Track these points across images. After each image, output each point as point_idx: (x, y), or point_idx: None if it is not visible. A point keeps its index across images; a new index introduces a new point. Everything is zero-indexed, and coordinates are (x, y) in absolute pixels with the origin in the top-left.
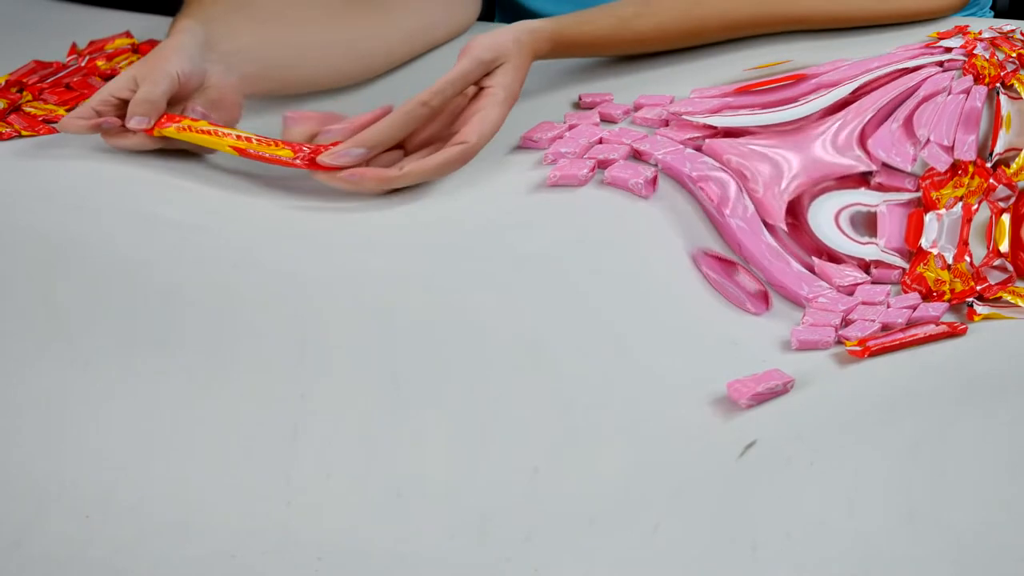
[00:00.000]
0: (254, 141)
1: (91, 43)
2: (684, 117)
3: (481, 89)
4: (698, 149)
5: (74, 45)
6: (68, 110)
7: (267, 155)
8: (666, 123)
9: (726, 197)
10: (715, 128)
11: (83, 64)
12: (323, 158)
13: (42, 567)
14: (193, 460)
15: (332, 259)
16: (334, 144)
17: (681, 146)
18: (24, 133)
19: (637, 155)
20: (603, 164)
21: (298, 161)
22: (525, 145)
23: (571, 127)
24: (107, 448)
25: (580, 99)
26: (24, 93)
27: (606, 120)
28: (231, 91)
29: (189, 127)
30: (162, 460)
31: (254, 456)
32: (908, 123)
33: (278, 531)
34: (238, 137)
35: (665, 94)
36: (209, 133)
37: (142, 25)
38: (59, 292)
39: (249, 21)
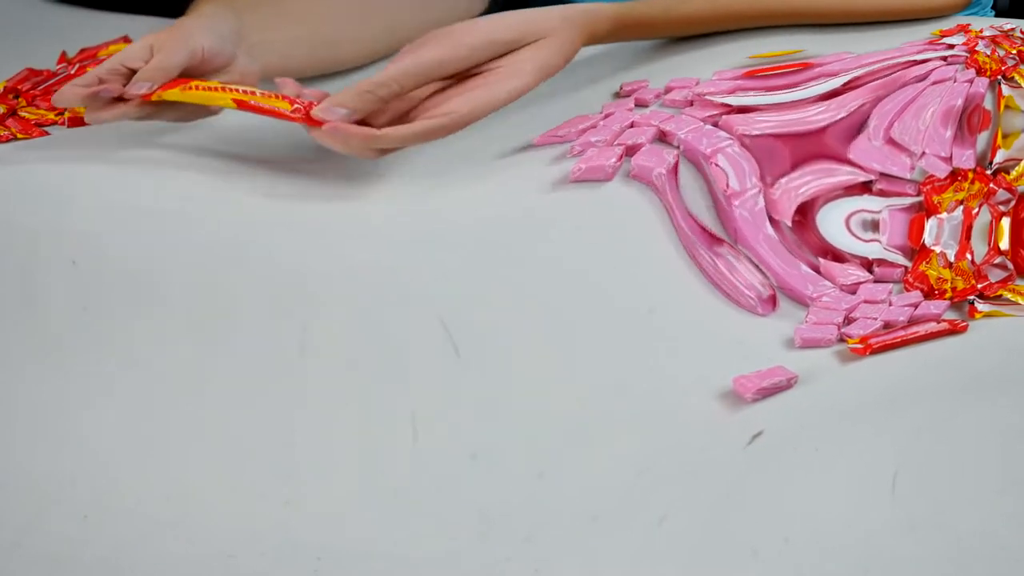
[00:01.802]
0: (257, 94)
1: (81, 51)
2: (706, 97)
3: (499, 67)
4: (715, 125)
5: (64, 54)
6: (58, 114)
7: (266, 106)
8: (691, 103)
9: (740, 190)
10: (730, 106)
11: (73, 72)
12: (316, 111)
13: (42, 567)
14: (192, 460)
15: (329, 252)
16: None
17: (701, 123)
18: (19, 136)
19: (663, 136)
20: (631, 150)
21: (295, 113)
22: (544, 142)
23: (607, 115)
24: (106, 448)
25: (621, 88)
26: (20, 99)
27: (640, 105)
28: (252, 79)
29: (197, 86)
30: (161, 460)
31: (252, 455)
32: (890, 134)
33: (277, 531)
34: (243, 91)
35: (693, 77)
36: (214, 90)
37: (141, 30)
38: (53, 292)
39: (277, 14)
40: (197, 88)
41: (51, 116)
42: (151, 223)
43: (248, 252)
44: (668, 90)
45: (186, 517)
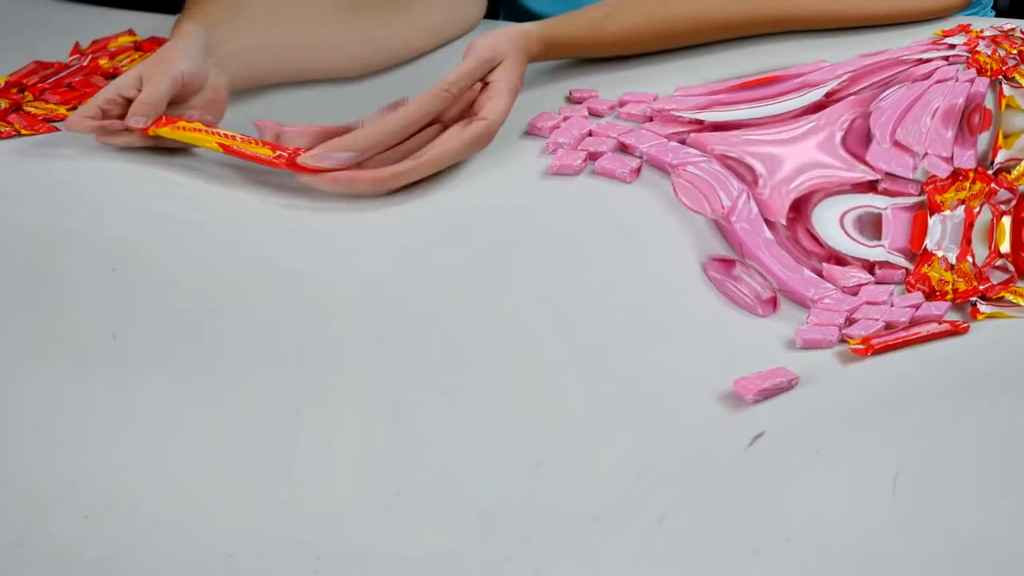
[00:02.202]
0: (238, 139)
1: (94, 42)
2: (673, 113)
3: (486, 84)
4: (682, 142)
5: (77, 45)
6: (70, 109)
7: (248, 152)
8: (650, 119)
9: (732, 203)
10: (702, 123)
11: (85, 63)
12: (304, 159)
13: (42, 567)
14: (192, 460)
15: (329, 255)
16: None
17: (665, 140)
18: (23, 132)
19: (623, 148)
20: (593, 156)
21: (278, 160)
22: (532, 132)
23: (565, 119)
24: (106, 448)
25: (570, 94)
26: (25, 93)
27: (593, 114)
28: (222, 90)
29: (184, 127)
30: (161, 460)
31: (253, 456)
32: (895, 134)
33: (277, 531)
34: (224, 135)
35: (648, 91)
36: (200, 131)
37: (144, 24)
38: (56, 291)
39: (248, 24)
40: (184, 129)
41: (62, 111)
42: (153, 226)
43: (247, 253)
44: (623, 103)
45: (186, 517)
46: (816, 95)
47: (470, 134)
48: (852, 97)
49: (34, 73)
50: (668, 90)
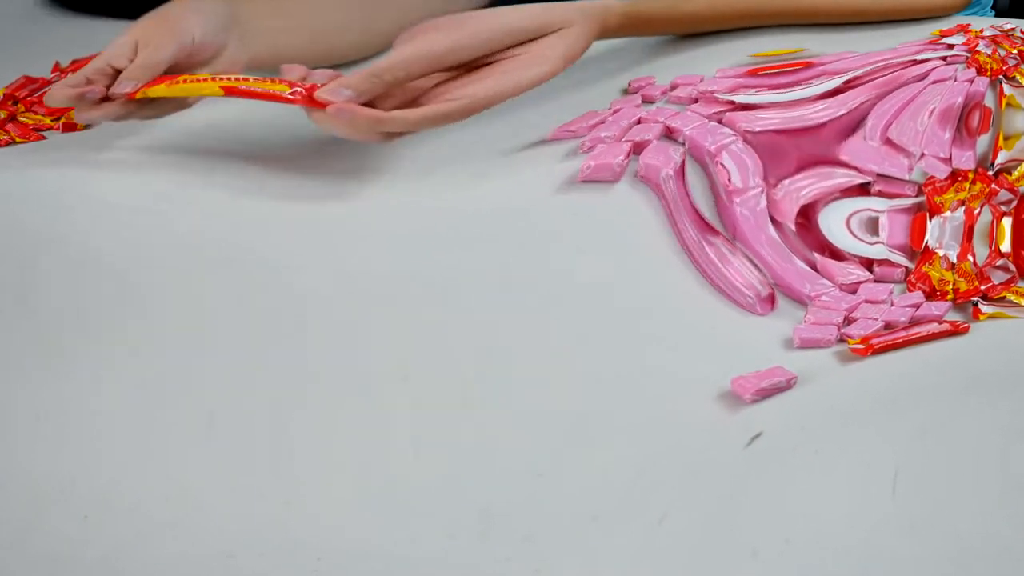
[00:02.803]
0: (250, 80)
1: (73, 62)
2: (711, 94)
3: (519, 55)
4: (719, 121)
5: (57, 64)
6: (55, 119)
7: (259, 90)
8: (695, 100)
9: (743, 187)
10: (734, 103)
11: None
12: (321, 93)
13: (41, 567)
14: (191, 460)
15: (328, 254)
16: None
17: (706, 120)
18: (18, 140)
19: (669, 132)
20: (638, 147)
21: (294, 95)
22: (557, 137)
23: (615, 111)
24: (105, 449)
25: (629, 85)
26: (18, 105)
27: (647, 101)
28: (239, 66)
29: (184, 80)
30: (160, 460)
31: (252, 455)
32: (887, 135)
33: (277, 531)
34: (233, 78)
35: (697, 74)
36: (201, 80)
37: None
38: (51, 293)
39: (285, 2)
40: (184, 82)
41: (47, 121)
42: (148, 224)
43: (246, 253)
44: (674, 87)
45: (186, 517)
46: (834, 82)
47: (428, 111)
48: (859, 88)
49: (24, 87)
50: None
